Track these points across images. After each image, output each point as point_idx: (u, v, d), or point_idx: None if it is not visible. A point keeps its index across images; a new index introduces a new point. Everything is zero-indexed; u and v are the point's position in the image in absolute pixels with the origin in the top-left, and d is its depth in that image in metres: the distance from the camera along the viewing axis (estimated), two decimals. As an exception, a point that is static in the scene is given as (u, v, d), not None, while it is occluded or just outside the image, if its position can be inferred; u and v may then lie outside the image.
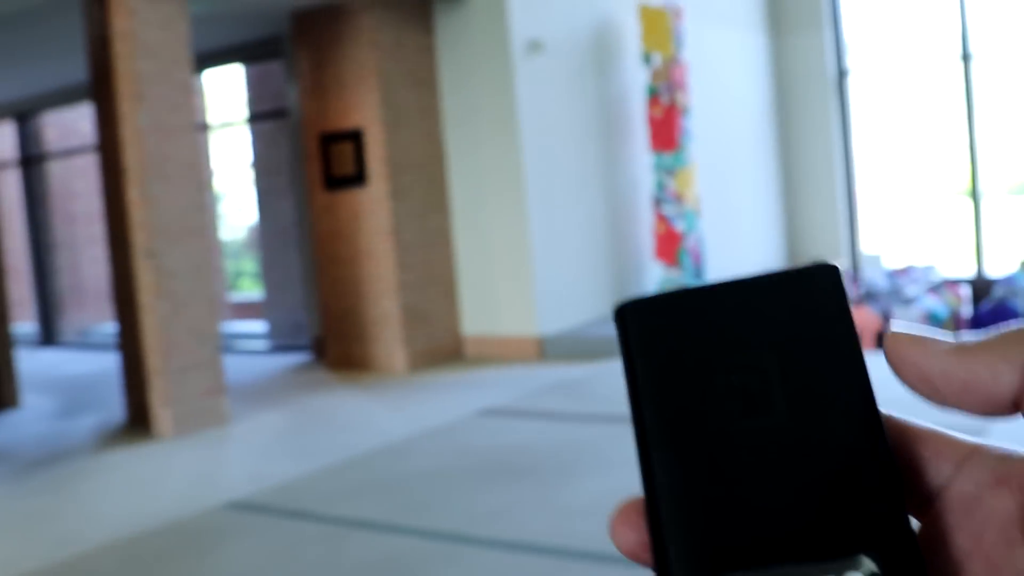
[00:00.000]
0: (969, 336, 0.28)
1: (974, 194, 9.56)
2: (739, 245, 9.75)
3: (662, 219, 8.39)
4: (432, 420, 5.79)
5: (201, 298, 6.10)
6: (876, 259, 10.44)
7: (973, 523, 0.28)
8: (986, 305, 9.00)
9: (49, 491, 4.94)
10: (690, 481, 0.28)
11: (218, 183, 12.17)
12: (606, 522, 0.29)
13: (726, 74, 9.81)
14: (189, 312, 6.01)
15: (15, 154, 11.83)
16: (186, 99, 6.12)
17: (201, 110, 10.60)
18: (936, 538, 0.28)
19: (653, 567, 0.28)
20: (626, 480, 4.08)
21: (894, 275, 9.58)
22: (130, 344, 6.21)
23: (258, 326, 10.53)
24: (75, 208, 11.67)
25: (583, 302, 7.97)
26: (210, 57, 8.91)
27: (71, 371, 9.13)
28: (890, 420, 0.29)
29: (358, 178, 7.63)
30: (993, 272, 9.53)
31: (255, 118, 9.86)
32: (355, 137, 7.61)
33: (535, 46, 7.65)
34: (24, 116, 11.48)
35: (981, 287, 9.42)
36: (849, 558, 0.26)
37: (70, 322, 11.62)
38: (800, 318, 0.29)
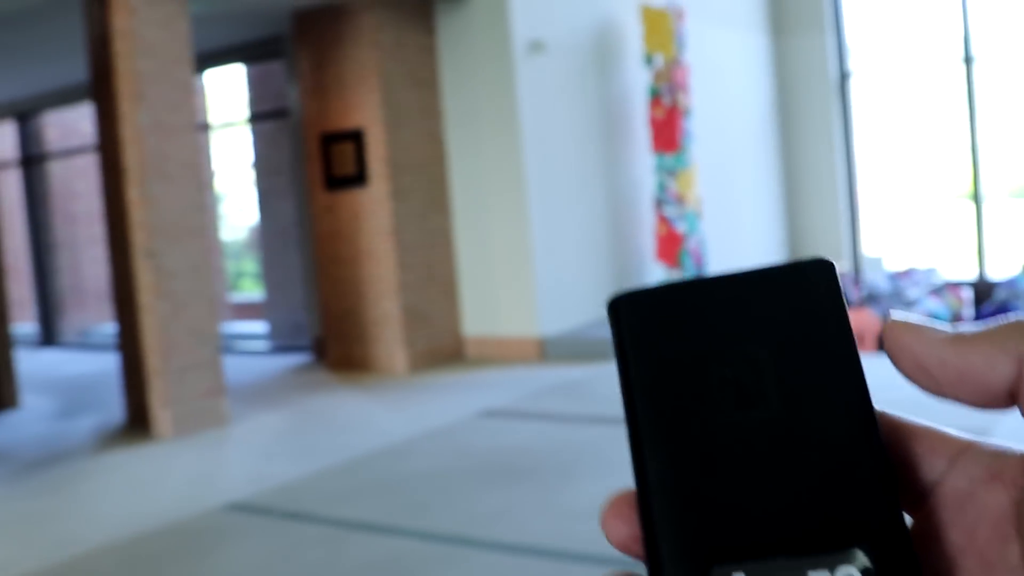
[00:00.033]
0: (967, 327, 0.28)
1: (976, 197, 9.55)
2: (741, 247, 9.75)
3: (663, 220, 8.38)
4: (432, 421, 5.79)
5: (201, 298, 6.09)
6: (878, 261, 10.45)
7: (966, 519, 0.27)
8: (988, 308, 9.00)
9: (49, 492, 4.94)
10: (682, 474, 0.28)
11: (219, 183, 12.17)
12: (604, 521, 0.29)
13: (728, 76, 9.81)
14: (189, 312, 6.01)
15: (15, 154, 11.83)
16: (186, 99, 6.12)
17: (202, 110, 10.61)
18: (930, 534, 0.28)
19: (644, 560, 0.28)
20: (627, 482, 4.03)
21: (896, 277, 9.58)
22: (130, 344, 6.21)
23: (258, 327, 10.54)
24: (75, 208, 11.67)
25: (584, 303, 7.96)
26: (211, 57, 8.91)
27: (71, 371, 9.13)
28: (884, 416, 0.29)
29: (359, 178, 7.63)
30: (995, 275, 9.53)
31: (256, 118, 9.86)
32: (356, 137, 7.61)
33: (536, 47, 7.65)
34: (24, 116, 11.49)
35: (983, 290, 9.41)
36: (842, 552, 0.26)
37: (70, 322, 11.62)
38: (794, 312, 0.29)
